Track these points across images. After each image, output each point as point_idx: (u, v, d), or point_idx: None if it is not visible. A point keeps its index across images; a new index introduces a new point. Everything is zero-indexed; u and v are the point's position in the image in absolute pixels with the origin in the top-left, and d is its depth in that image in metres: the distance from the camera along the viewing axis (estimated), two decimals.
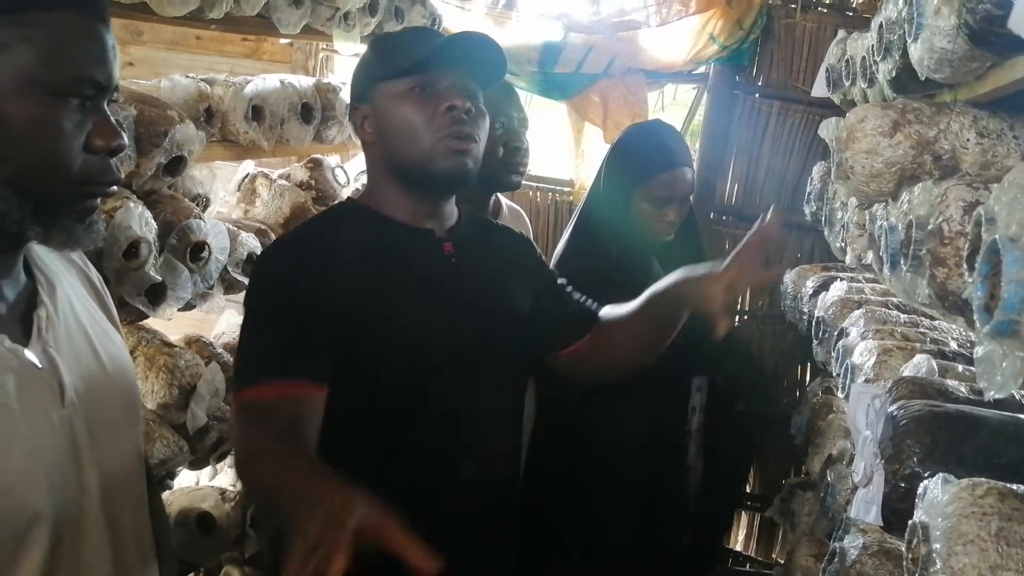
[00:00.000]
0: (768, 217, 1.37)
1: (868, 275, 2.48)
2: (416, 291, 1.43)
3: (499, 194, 2.29)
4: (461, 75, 1.42)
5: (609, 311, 1.59)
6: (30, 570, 0.93)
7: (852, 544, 1.53)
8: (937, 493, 1.04)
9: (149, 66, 3.60)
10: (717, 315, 1.30)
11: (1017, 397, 1.35)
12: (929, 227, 1.17)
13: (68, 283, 1.10)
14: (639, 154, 2.18)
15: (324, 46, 3.70)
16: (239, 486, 2.58)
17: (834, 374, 2.13)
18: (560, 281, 1.67)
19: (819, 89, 3.05)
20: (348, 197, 1.61)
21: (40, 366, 0.97)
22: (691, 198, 2.24)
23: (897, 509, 1.23)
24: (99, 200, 0.99)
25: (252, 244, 2.16)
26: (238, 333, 2.43)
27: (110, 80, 0.97)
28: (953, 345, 1.82)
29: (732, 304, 1.31)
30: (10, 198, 0.91)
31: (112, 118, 0.98)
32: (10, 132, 0.90)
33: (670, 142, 2.20)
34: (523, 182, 2.28)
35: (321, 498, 1.00)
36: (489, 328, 1.49)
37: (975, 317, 0.93)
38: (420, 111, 1.40)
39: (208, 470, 2.54)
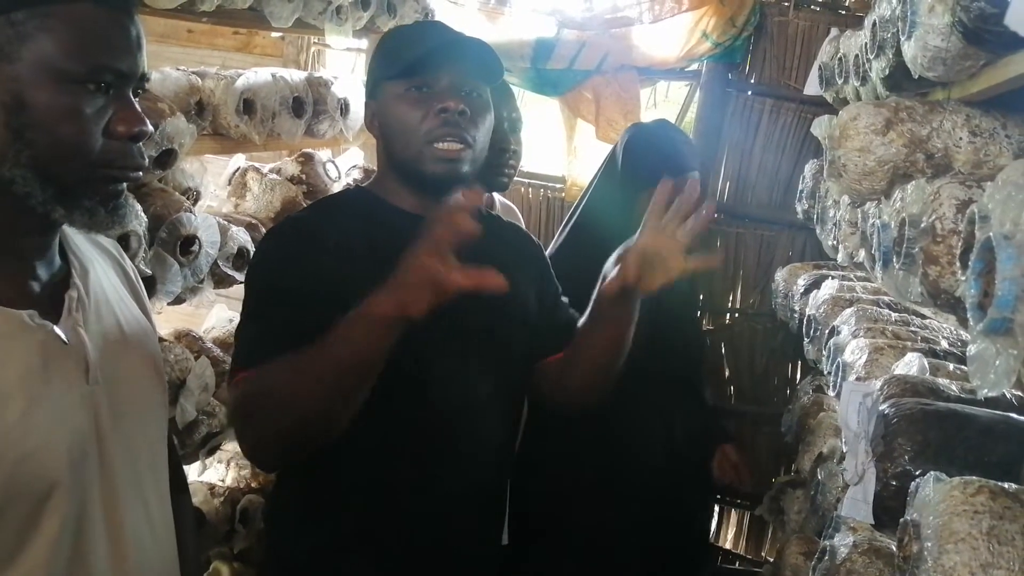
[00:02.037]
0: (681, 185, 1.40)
1: (859, 273, 2.48)
2: None
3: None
4: (460, 75, 1.43)
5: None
6: (48, 537, 0.97)
7: (842, 542, 1.52)
8: (929, 491, 1.04)
9: None
10: (618, 274, 1.34)
11: (1008, 395, 1.36)
12: (922, 225, 1.17)
13: (101, 269, 1.15)
14: (650, 158, 2.16)
15: (316, 40, 3.68)
16: (229, 481, 2.57)
17: (825, 372, 2.13)
18: (560, 290, 1.70)
19: (811, 87, 3.05)
20: (357, 184, 1.63)
21: (68, 343, 1.02)
22: None
23: (888, 507, 1.23)
24: (124, 185, 1.03)
25: (242, 238, 2.15)
26: (228, 327, 2.42)
27: (133, 69, 1.01)
28: (944, 344, 1.82)
29: (652, 273, 1.35)
30: (33, 180, 0.96)
31: (137, 105, 1.02)
32: (31, 118, 0.95)
33: (681, 147, 2.20)
34: (515, 177, 2.28)
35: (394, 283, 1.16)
36: (489, 316, 1.49)
37: (968, 315, 0.93)
38: (413, 112, 1.42)
39: (197, 465, 2.53)
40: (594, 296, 1.49)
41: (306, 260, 1.40)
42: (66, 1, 0.96)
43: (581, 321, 1.58)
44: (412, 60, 1.42)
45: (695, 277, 2.46)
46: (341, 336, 1.21)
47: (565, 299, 1.70)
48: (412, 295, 1.15)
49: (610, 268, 1.43)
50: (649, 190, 2.12)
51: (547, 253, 2.28)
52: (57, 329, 1.01)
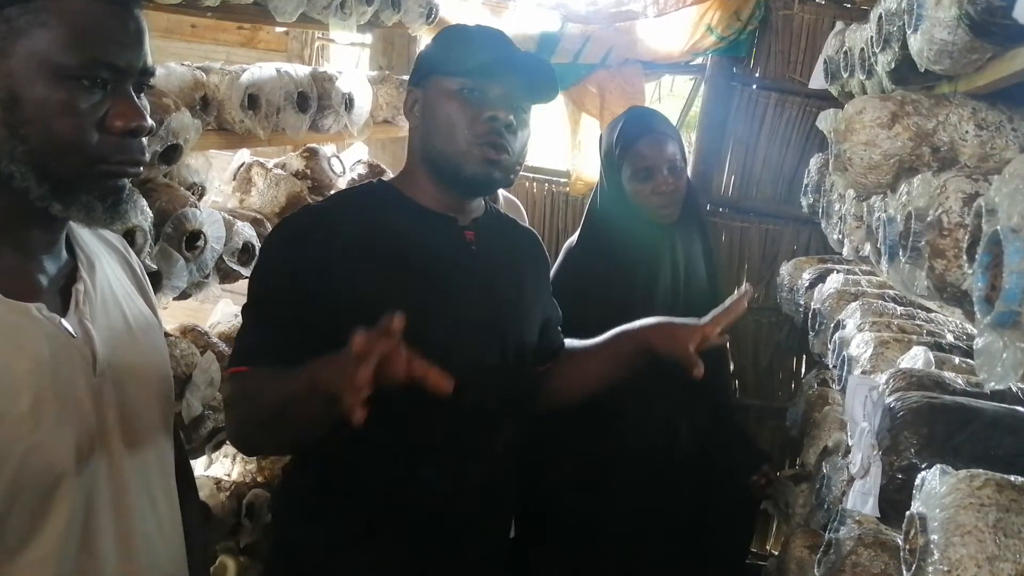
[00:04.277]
0: (742, 291, 1.59)
1: (865, 267, 2.48)
2: (432, 272, 1.46)
3: None
4: (513, 88, 1.45)
5: (572, 343, 1.73)
6: (56, 527, 0.99)
7: (848, 535, 1.53)
8: (935, 484, 1.04)
9: None
10: (693, 361, 1.48)
11: (1015, 389, 1.35)
12: (928, 219, 1.17)
13: (108, 264, 1.16)
14: (615, 131, 2.20)
15: (320, 35, 3.69)
16: (235, 475, 2.58)
17: (830, 366, 2.13)
18: (559, 315, 1.77)
19: (816, 81, 3.05)
20: (379, 179, 1.64)
21: (75, 335, 1.03)
22: (687, 179, 2.21)
23: (894, 500, 1.23)
24: (124, 181, 1.03)
25: (248, 233, 2.16)
26: (234, 323, 2.43)
27: (131, 64, 1.00)
28: (949, 337, 1.82)
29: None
30: (30, 176, 0.96)
31: (136, 100, 1.01)
32: (26, 114, 0.95)
33: (643, 116, 2.22)
34: (520, 172, 2.28)
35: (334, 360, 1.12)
36: (503, 313, 1.54)
37: (975, 308, 0.92)
38: (463, 113, 1.43)
39: (203, 459, 2.53)
40: (611, 340, 1.63)
41: (318, 256, 1.41)
42: None
43: (581, 344, 1.70)
44: (477, 62, 1.44)
45: (717, 283, 2.45)
46: (297, 384, 1.23)
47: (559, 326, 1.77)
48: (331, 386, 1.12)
49: (638, 326, 1.60)
50: (627, 152, 2.14)
51: (564, 249, 2.32)
52: (65, 322, 1.02)
